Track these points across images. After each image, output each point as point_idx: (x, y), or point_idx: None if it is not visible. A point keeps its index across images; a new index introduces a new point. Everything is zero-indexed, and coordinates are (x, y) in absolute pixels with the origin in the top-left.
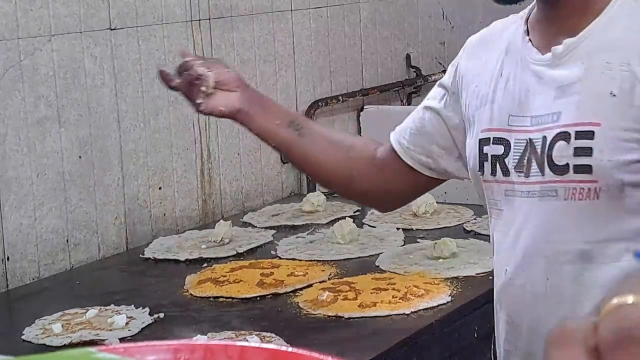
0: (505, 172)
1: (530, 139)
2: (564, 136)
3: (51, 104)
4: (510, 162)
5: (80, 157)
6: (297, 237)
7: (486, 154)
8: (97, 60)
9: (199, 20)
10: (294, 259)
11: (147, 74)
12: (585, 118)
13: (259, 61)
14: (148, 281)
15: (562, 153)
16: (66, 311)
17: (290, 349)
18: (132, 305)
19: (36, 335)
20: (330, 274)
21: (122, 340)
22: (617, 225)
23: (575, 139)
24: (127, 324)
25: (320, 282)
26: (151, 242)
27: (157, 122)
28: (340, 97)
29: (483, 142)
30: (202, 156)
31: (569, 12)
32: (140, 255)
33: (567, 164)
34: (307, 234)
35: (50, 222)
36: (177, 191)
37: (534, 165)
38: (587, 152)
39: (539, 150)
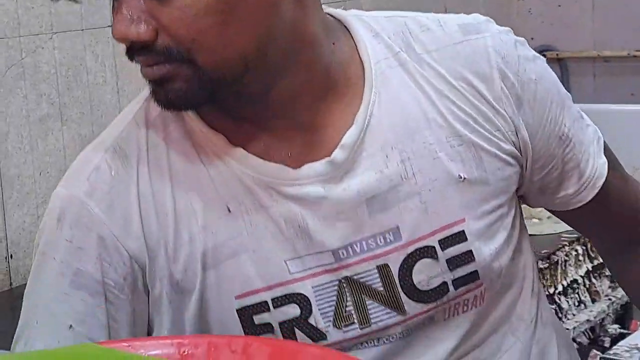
0: (318, 335)
1: (347, 278)
2: (422, 253)
3: (53, 102)
4: (321, 319)
5: None
6: None
7: (265, 324)
8: (98, 58)
9: None
10: None
11: None
12: (445, 219)
13: None
14: None
15: (431, 273)
16: None
17: (293, 342)
18: None
19: None
20: None
21: None
22: (496, 313)
23: (444, 249)
24: None
25: None
26: None
27: None
28: None
29: (248, 311)
30: None
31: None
32: None
33: (444, 283)
34: None
35: None
36: None
37: (376, 308)
38: (468, 257)
39: (378, 286)
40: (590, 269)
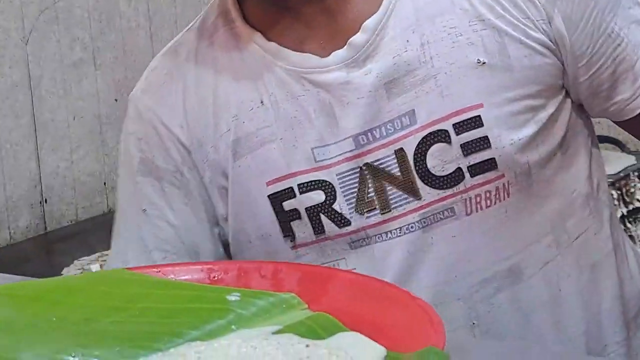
0: (342, 222)
1: (367, 164)
2: (437, 137)
3: (86, 47)
4: (344, 205)
5: (116, 100)
6: None
7: (293, 210)
8: (131, 2)
9: None
10: None
11: (182, 16)
12: (460, 103)
13: None
14: None
15: (445, 158)
16: (104, 252)
17: (324, 268)
18: None
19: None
20: None
21: None
22: (534, 219)
23: (458, 133)
24: None
25: None
26: None
27: None
28: None
29: (277, 197)
30: None
31: None
32: None
33: (459, 169)
34: None
35: (87, 165)
36: None
37: (395, 193)
38: (483, 143)
39: (396, 172)
40: (625, 213)
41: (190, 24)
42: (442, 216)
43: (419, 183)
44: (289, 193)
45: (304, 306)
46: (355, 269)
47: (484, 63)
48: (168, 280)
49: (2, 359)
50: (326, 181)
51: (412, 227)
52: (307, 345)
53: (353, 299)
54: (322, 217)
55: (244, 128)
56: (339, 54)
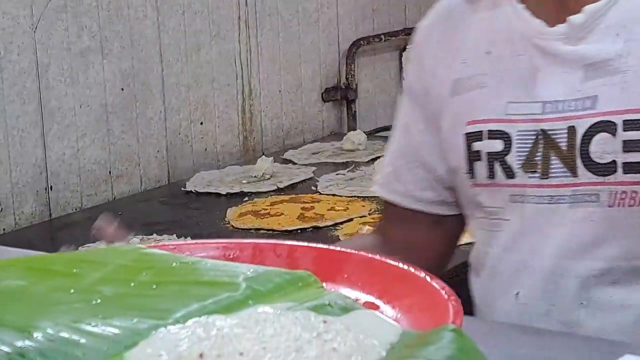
0: (509, 174)
1: (543, 130)
2: (605, 127)
3: (94, 35)
4: (514, 160)
5: (122, 89)
6: (337, 174)
7: (477, 151)
8: None
9: None
10: (334, 195)
11: (190, 7)
12: (638, 102)
13: None
14: (190, 213)
15: (606, 148)
16: None
17: (338, 248)
18: (174, 235)
19: None
20: (370, 210)
21: None
22: None
23: (625, 130)
24: None
25: (360, 217)
26: (192, 176)
27: (199, 57)
28: (382, 36)
29: (471, 137)
30: (244, 92)
31: None
32: (182, 189)
33: (614, 162)
34: (348, 171)
35: (93, 153)
36: (219, 126)
37: (557, 164)
38: None
39: (563, 145)
40: None
41: None
42: (588, 199)
43: (579, 162)
44: (479, 135)
45: (320, 284)
46: (509, 220)
47: None
48: (184, 256)
49: (21, 328)
50: (508, 134)
51: (562, 199)
52: (324, 321)
53: (369, 278)
54: (496, 164)
55: (466, 70)
56: (561, 28)
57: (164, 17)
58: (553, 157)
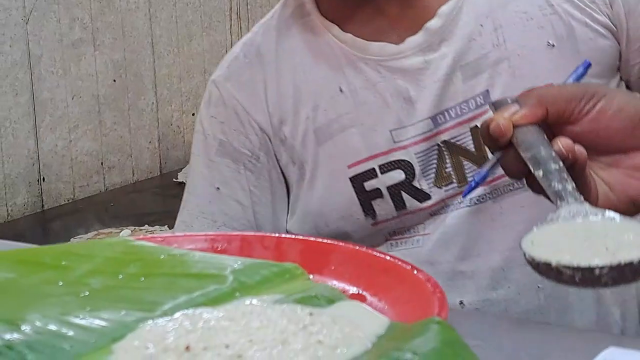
0: (423, 196)
1: (445, 141)
2: None
3: (86, 27)
4: (424, 181)
5: (114, 80)
6: None
7: (375, 189)
8: None
9: None
10: None
11: None
12: (531, 83)
13: None
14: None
15: None
16: (100, 230)
17: (325, 241)
18: (166, 226)
19: None
20: None
21: None
22: None
23: None
24: None
25: None
26: (184, 167)
27: (190, 48)
28: None
29: (358, 178)
30: None
31: None
32: (174, 180)
33: None
34: None
35: (85, 144)
36: None
37: (470, 167)
38: None
39: (470, 147)
40: None
41: (266, 17)
42: (511, 187)
43: (491, 157)
44: (370, 174)
45: (307, 276)
46: (430, 234)
47: (553, 45)
48: (172, 248)
49: (9, 321)
50: (405, 160)
51: (483, 198)
52: (311, 314)
53: (355, 271)
54: (403, 194)
55: (325, 115)
56: (413, 40)
57: (155, 9)
58: (465, 162)
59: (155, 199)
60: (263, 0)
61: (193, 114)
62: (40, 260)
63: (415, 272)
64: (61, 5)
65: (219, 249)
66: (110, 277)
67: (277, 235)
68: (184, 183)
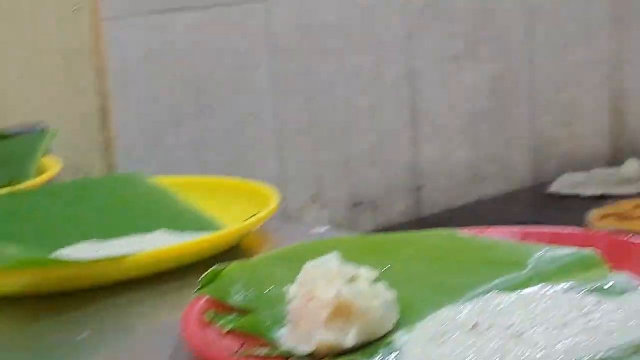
0: None
1: None
2: None
3: (464, 40)
4: None
5: (490, 92)
6: None
7: None
8: None
9: None
10: None
11: (559, 11)
12: None
13: None
14: (551, 215)
15: None
16: None
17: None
18: None
19: None
20: None
21: None
22: None
23: None
24: None
25: None
26: (558, 178)
27: (567, 58)
28: None
29: None
30: (614, 93)
31: None
32: (546, 191)
33: None
34: None
35: (461, 155)
36: (587, 128)
37: None
38: None
39: None
40: None
41: None
42: None
43: None
44: None
45: (605, 265)
46: None
47: None
48: (485, 237)
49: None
50: None
51: None
52: (598, 302)
53: None
54: None
55: None
56: None
57: (534, 22)
58: None
59: (526, 210)
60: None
61: (570, 125)
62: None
63: None
64: (440, 20)
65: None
66: (425, 263)
67: (584, 231)
68: (556, 194)
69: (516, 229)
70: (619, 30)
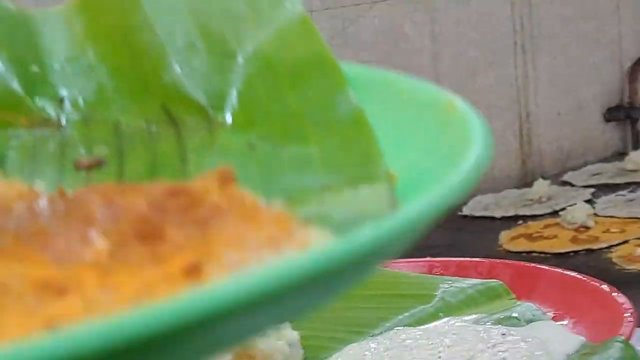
0: None
1: None
2: None
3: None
4: None
5: None
6: (616, 195)
7: None
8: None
9: None
10: (611, 217)
11: (464, 37)
12: None
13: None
14: (465, 237)
15: None
16: None
17: (532, 265)
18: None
19: None
20: None
21: None
22: None
23: None
24: None
25: (637, 239)
26: (469, 201)
27: (475, 83)
28: None
29: None
30: (521, 116)
31: None
32: (459, 213)
33: None
34: (628, 192)
35: None
36: (496, 151)
37: None
38: None
39: None
40: None
41: None
42: None
43: None
44: None
45: (512, 295)
46: None
47: None
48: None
49: None
50: None
51: None
52: (503, 334)
53: (560, 294)
54: None
55: None
56: None
57: (439, 48)
58: None
59: (440, 231)
60: (550, 32)
61: None
62: None
63: (614, 294)
64: (349, 48)
65: (436, 275)
66: None
67: (490, 260)
68: (468, 216)
69: (421, 262)
70: (523, 55)
